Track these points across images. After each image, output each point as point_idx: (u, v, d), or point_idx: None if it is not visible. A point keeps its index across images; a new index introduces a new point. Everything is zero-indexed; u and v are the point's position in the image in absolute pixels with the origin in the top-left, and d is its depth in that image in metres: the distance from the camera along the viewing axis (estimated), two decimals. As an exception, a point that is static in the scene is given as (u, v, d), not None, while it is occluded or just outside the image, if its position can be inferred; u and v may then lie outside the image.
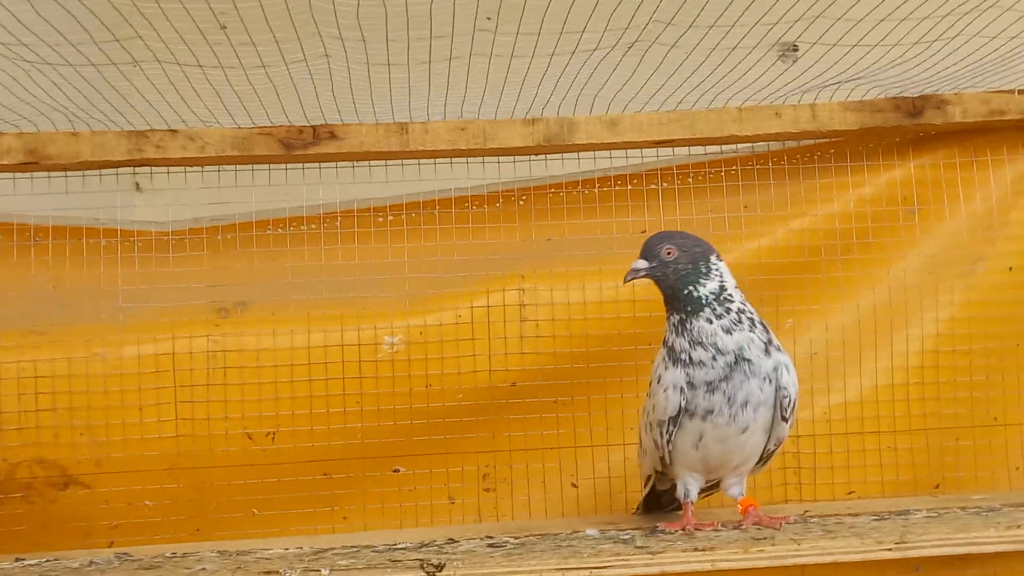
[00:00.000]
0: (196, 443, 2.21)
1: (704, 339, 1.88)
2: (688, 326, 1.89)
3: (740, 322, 1.90)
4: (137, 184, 2.42)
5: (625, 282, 1.93)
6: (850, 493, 2.35)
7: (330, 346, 2.26)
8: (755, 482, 2.32)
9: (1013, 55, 2.18)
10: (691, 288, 1.91)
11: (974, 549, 1.81)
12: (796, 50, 2.32)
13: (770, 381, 1.90)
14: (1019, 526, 1.84)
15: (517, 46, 1.88)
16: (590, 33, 1.87)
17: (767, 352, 1.90)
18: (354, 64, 1.90)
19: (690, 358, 1.88)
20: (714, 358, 1.87)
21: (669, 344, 1.92)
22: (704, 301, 1.90)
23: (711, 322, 1.89)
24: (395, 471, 2.29)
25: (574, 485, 2.34)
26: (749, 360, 1.88)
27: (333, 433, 2.25)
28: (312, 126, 2.24)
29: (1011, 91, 2.35)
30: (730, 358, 1.88)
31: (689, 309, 1.89)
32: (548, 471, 2.32)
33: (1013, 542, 1.81)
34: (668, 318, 1.93)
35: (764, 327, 1.93)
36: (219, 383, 2.23)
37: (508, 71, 2.01)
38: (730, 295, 1.93)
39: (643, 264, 1.91)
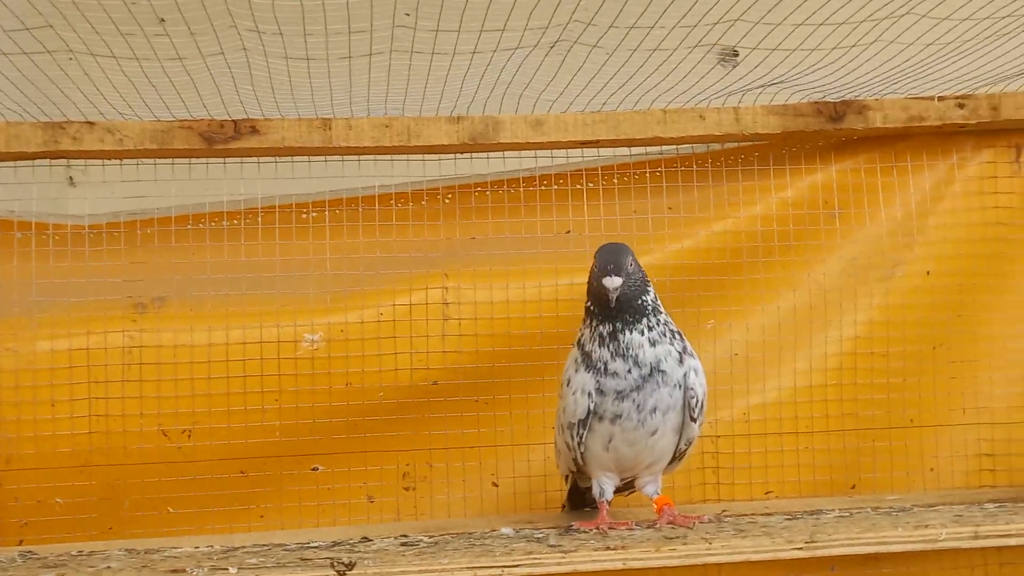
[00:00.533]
0: (110, 440, 2.18)
1: (628, 351, 1.88)
2: (619, 337, 1.89)
3: (664, 335, 1.92)
4: (71, 178, 2.38)
5: (614, 304, 1.88)
6: (768, 493, 2.37)
7: (249, 343, 2.24)
8: (674, 482, 2.33)
9: (930, 62, 2.21)
10: (643, 299, 1.92)
11: (882, 548, 1.84)
12: (736, 55, 2.34)
13: (679, 386, 1.91)
14: (926, 526, 1.87)
15: (437, 43, 1.87)
16: (511, 32, 1.86)
17: (680, 361, 1.92)
18: (272, 58, 1.88)
19: (605, 368, 1.89)
20: (630, 371, 1.88)
21: (585, 350, 1.92)
22: (647, 311, 1.91)
23: (643, 334, 1.89)
24: (314, 470, 2.28)
25: (495, 484, 2.34)
26: (664, 372, 1.90)
27: (251, 431, 2.22)
28: (233, 120, 2.21)
29: (930, 97, 2.39)
30: (646, 371, 1.89)
31: (630, 319, 1.89)
32: (468, 470, 2.32)
33: (920, 541, 1.84)
34: (592, 326, 1.92)
35: (680, 336, 1.95)
36: (134, 379, 2.20)
37: (431, 68, 2.00)
38: (658, 305, 1.95)
39: (620, 281, 1.87)
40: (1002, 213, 2.47)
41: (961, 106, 2.39)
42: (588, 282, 1.95)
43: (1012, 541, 1.85)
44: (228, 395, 2.22)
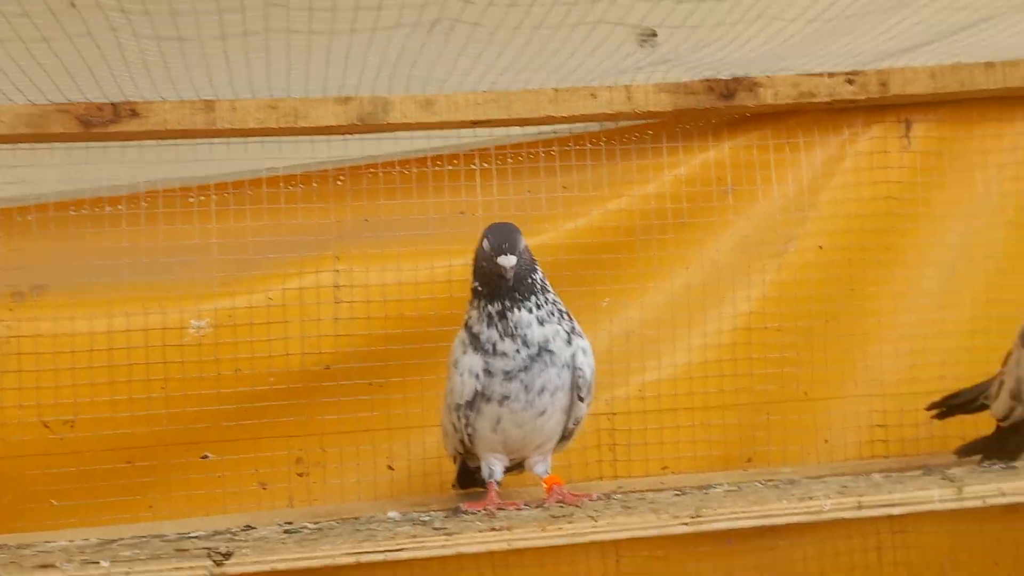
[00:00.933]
0: (-10, 432, 2.12)
1: (517, 330, 1.87)
2: (508, 316, 1.88)
3: (553, 314, 1.91)
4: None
5: (511, 282, 1.87)
6: (664, 469, 2.38)
7: (133, 330, 2.19)
8: (571, 460, 2.34)
9: (818, 38, 2.23)
10: (532, 277, 1.91)
11: (766, 521, 1.85)
12: (655, 35, 2.33)
13: (568, 367, 1.91)
14: (811, 498, 1.89)
15: (313, 22, 1.83)
16: (387, 9, 1.84)
17: (569, 341, 1.91)
18: (143, 39, 1.83)
19: (494, 348, 1.88)
20: (518, 351, 1.88)
21: (473, 331, 1.91)
22: (536, 289, 1.90)
23: (531, 312, 1.88)
24: (203, 458, 2.23)
25: (390, 467, 2.32)
26: (552, 352, 1.89)
27: (137, 420, 2.17)
28: (112, 103, 2.16)
29: (821, 74, 2.41)
30: (534, 350, 1.88)
31: (519, 298, 1.88)
32: (363, 454, 2.29)
33: (804, 513, 1.86)
34: (480, 307, 1.91)
35: (568, 316, 1.94)
36: (13, 369, 2.14)
37: (311, 48, 1.96)
38: (546, 284, 1.94)
39: (515, 260, 1.86)
40: (892, 188, 2.50)
41: (851, 82, 2.41)
42: (475, 262, 1.93)
43: (896, 510, 1.88)
44: (112, 384, 2.17)
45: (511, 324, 1.88)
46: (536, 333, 1.88)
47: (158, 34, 1.81)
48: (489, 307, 1.89)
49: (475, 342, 1.90)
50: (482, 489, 2.13)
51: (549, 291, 1.93)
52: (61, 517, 2.14)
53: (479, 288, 1.92)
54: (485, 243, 1.90)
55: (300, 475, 2.27)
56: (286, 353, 2.25)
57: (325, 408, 2.27)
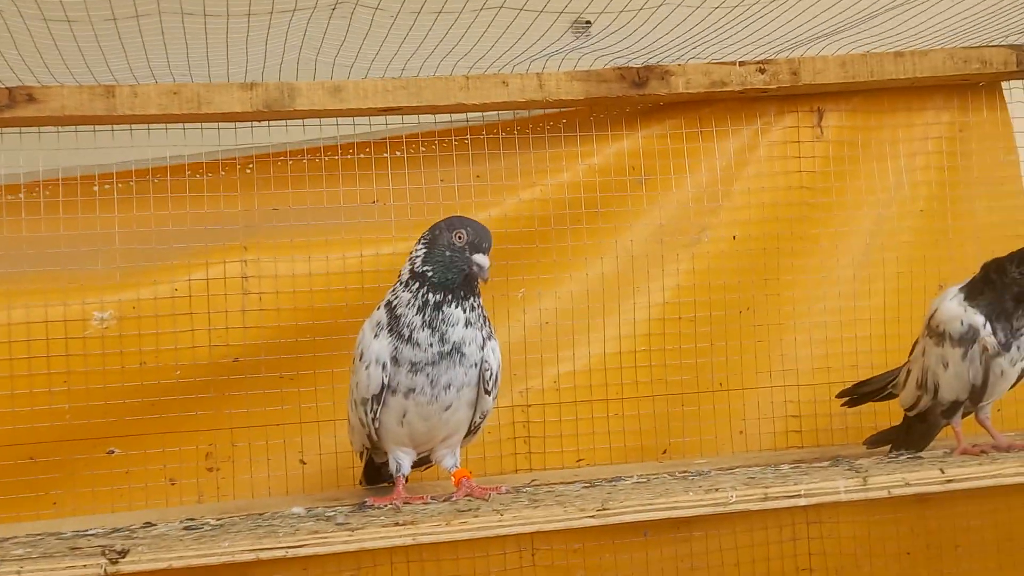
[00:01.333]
0: None
1: (441, 325, 1.85)
2: (443, 309, 1.85)
3: (479, 319, 1.90)
4: None
5: (485, 282, 1.87)
6: (579, 461, 2.38)
7: (33, 323, 2.13)
8: (485, 452, 2.32)
9: (727, 26, 2.22)
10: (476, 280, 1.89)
11: (672, 513, 1.84)
12: (589, 24, 2.31)
13: (476, 366, 1.89)
14: (717, 489, 1.88)
15: (208, 5, 1.79)
16: (283, -8, 1.80)
17: (482, 347, 1.90)
18: (30, 20, 1.77)
19: (410, 336, 1.85)
20: (431, 344, 1.85)
21: (396, 312, 1.87)
22: (476, 291, 1.89)
23: (465, 311, 1.87)
24: (109, 453, 2.18)
25: (302, 462, 2.29)
26: (463, 354, 1.87)
27: (38, 415, 2.12)
28: (8, 88, 2.10)
29: (732, 63, 2.41)
30: (447, 348, 1.86)
31: (463, 295, 1.86)
32: (273, 448, 2.26)
33: (710, 505, 1.86)
34: (418, 291, 1.86)
35: (487, 321, 1.93)
36: (-93, 363, 2.08)
37: (207, 31, 1.91)
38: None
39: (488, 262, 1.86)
40: (805, 177, 2.51)
41: (762, 71, 2.42)
42: (431, 247, 1.87)
43: (801, 501, 1.88)
44: (12, 377, 2.11)
45: (440, 317, 1.85)
46: (457, 333, 1.86)
47: (44, 15, 1.75)
48: (430, 294, 1.86)
49: (393, 324, 1.86)
50: (389, 484, 2.12)
51: (480, 295, 1.91)
52: (-42, 514, 2.09)
53: (428, 274, 1.87)
54: (457, 235, 1.86)
55: (209, 470, 2.23)
56: (193, 346, 2.20)
57: (235, 402, 2.23)
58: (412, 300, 1.87)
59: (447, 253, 1.86)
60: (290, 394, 2.26)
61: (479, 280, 1.86)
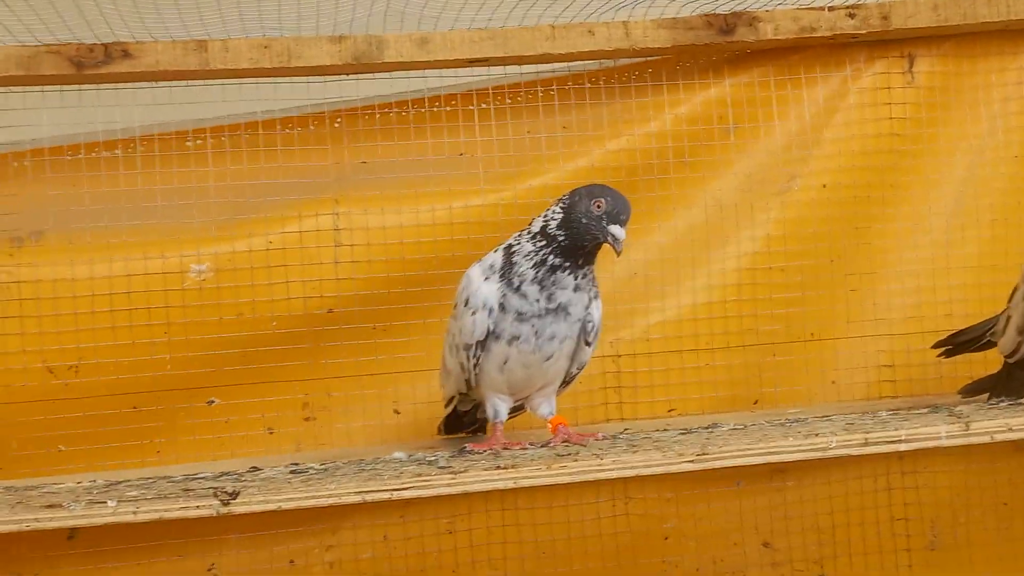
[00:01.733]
0: (-7, 379, 2.11)
1: (551, 287, 1.87)
2: (556, 274, 1.87)
3: (590, 284, 1.92)
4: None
5: (619, 254, 1.89)
6: (670, 411, 2.38)
7: (133, 275, 2.17)
8: (577, 402, 2.33)
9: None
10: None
11: (772, 458, 1.84)
12: None
13: (579, 321, 1.91)
14: (817, 435, 1.87)
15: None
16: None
17: (587, 307, 1.92)
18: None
19: (519, 286, 1.87)
20: (538, 300, 1.87)
21: (513, 259, 1.88)
22: (593, 260, 1.91)
23: (576, 278, 1.88)
24: (209, 403, 2.23)
25: (396, 412, 2.31)
26: (568, 312, 1.89)
27: (140, 365, 2.16)
28: (104, 44, 2.12)
29: (821, 8, 2.37)
30: (553, 306, 1.88)
31: (581, 264, 1.88)
32: (368, 398, 2.28)
33: (810, 450, 1.85)
34: (542, 249, 1.87)
35: (595, 282, 1.94)
36: (15, 315, 2.12)
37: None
38: None
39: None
40: (896, 124, 2.47)
41: (852, 16, 2.38)
42: (572, 212, 1.87)
43: (902, 447, 1.85)
44: (114, 329, 2.15)
45: (552, 280, 1.87)
46: (564, 296, 1.88)
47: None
48: (551, 256, 1.87)
49: (506, 269, 1.89)
50: (467, 435, 2.15)
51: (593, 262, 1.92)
52: (68, 462, 2.14)
53: (560, 238, 1.87)
54: (596, 203, 1.86)
55: (306, 419, 2.26)
56: (288, 297, 2.23)
57: (329, 352, 2.26)
58: (533, 254, 1.88)
59: (583, 220, 1.87)
60: (383, 345, 2.29)
61: (615, 252, 1.87)
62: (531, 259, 1.88)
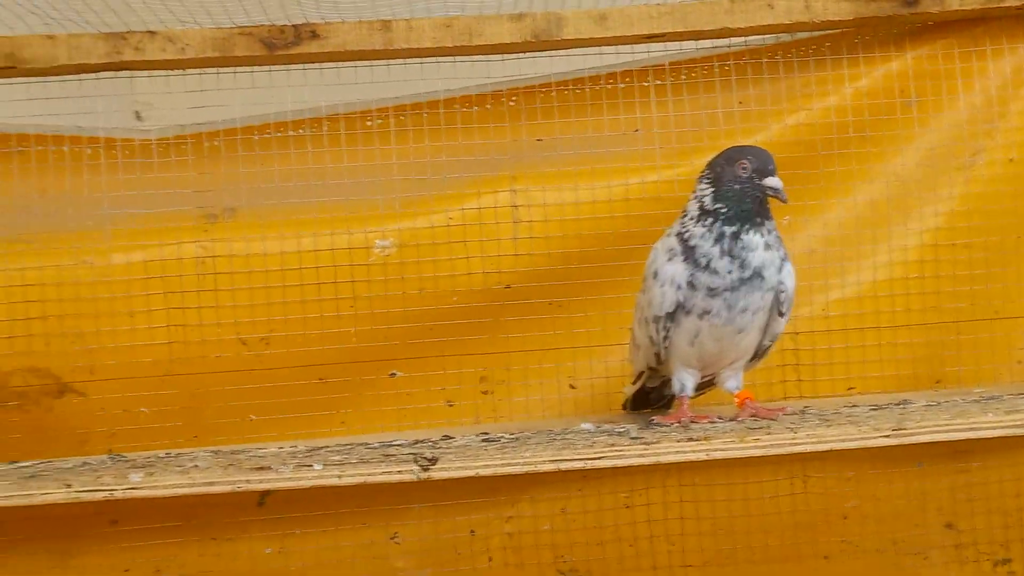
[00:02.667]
0: (189, 349, 2.19)
1: (742, 253, 1.84)
2: (741, 238, 1.84)
3: (777, 240, 1.88)
4: (137, 113, 2.37)
5: (785, 202, 1.87)
6: (850, 389, 2.33)
7: (320, 250, 2.23)
8: (755, 380, 2.29)
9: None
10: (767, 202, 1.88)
11: (972, 434, 1.79)
12: None
13: (772, 290, 1.88)
14: (1019, 411, 1.82)
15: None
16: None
17: (780, 269, 1.89)
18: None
19: (707, 263, 1.84)
20: (731, 271, 1.84)
21: (689, 244, 1.86)
22: (770, 213, 1.88)
23: (763, 236, 1.86)
24: (392, 375, 2.28)
25: (572, 386, 2.33)
26: (763, 278, 1.86)
27: (327, 338, 2.22)
28: (294, 25, 2.18)
29: (1010, -23, 2.30)
30: (747, 274, 1.85)
31: (759, 221, 1.85)
32: (546, 372, 2.30)
33: (1012, 426, 1.79)
34: (712, 225, 1.85)
35: (782, 242, 1.91)
36: (209, 289, 2.20)
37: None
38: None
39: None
40: (1088, 96, 2.38)
41: (1043, -16, 2.30)
42: (720, 183, 1.86)
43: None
44: (303, 303, 2.22)
45: (740, 245, 1.84)
46: (758, 257, 1.85)
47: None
48: (725, 227, 1.84)
49: (688, 253, 1.86)
50: (649, 411, 2.14)
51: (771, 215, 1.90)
52: (258, 431, 2.21)
53: (722, 210, 1.85)
54: (741, 166, 1.85)
55: (484, 393, 2.30)
56: (468, 272, 2.27)
57: (508, 327, 2.29)
58: (707, 233, 1.86)
59: (735, 187, 1.85)
60: (560, 320, 2.30)
61: (780, 201, 1.85)
62: (708, 238, 1.85)
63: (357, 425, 2.25)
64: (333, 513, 2.17)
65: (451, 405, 2.28)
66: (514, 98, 2.36)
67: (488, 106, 2.35)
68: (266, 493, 2.12)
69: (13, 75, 2.15)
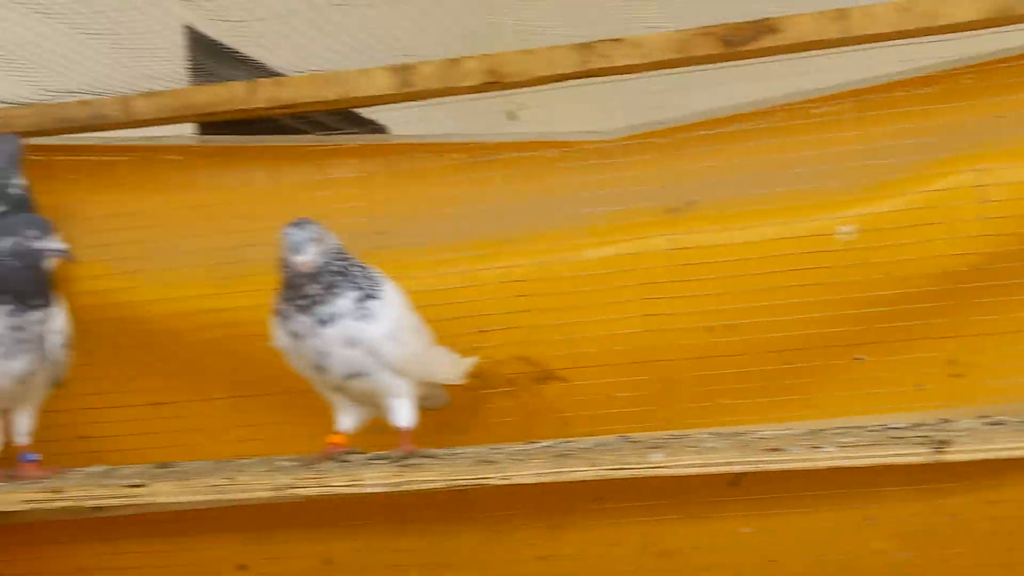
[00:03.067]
0: (660, 338, 2.30)
1: None
2: None
3: None
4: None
5: None
6: None
7: (782, 238, 2.27)
8: None
9: None
10: None
11: None
12: None
13: None
14: None
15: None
16: None
17: None
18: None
19: None
20: None
21: None
22: None
23: None
24: (857, 359, 2.28)
25: (1060, 368, 2.24)
26: None
27: (791, 324, 2.25)
28: (751, 22, 2.24)
29: None
30: None
31: None
32: (1021, 355, 2.22)
33: None
34: None
35: None
36: (678, 280, 2.30)
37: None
38: None
39: None
40: None
41: None
42: None
43: None
44: (766, 290, 2.26)
45: None
46: None
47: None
48: None
49: None
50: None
51: None
52: (727, 415, 2.28)
53: None
54: None
55: (953, 376, 2.26)
56: (933, 255, 2.23)
57: (977, 309, 2.23)
58: None
59: None
60: (1033, 301, 2.23)
61: None
62: None
63: (823, 409, 2.27)
64: (809, 495, 2.20)
65: (920, 389, 2.26)
66: (968, 76, 2.31)
67: (945, 85, 2.31)
68: (741, 474, 2.18)
69: (494, 89, 2.34)
